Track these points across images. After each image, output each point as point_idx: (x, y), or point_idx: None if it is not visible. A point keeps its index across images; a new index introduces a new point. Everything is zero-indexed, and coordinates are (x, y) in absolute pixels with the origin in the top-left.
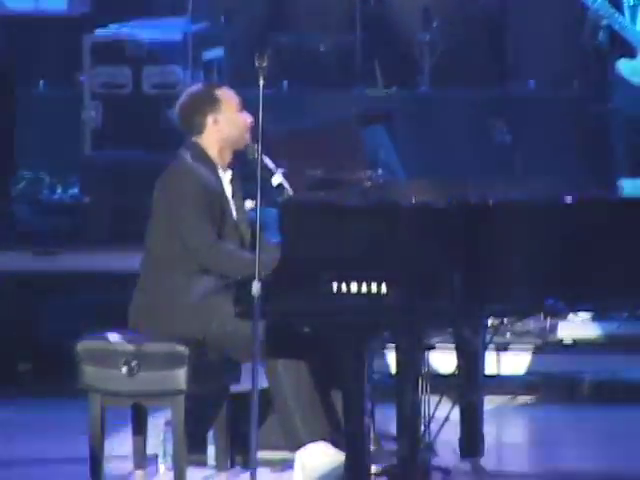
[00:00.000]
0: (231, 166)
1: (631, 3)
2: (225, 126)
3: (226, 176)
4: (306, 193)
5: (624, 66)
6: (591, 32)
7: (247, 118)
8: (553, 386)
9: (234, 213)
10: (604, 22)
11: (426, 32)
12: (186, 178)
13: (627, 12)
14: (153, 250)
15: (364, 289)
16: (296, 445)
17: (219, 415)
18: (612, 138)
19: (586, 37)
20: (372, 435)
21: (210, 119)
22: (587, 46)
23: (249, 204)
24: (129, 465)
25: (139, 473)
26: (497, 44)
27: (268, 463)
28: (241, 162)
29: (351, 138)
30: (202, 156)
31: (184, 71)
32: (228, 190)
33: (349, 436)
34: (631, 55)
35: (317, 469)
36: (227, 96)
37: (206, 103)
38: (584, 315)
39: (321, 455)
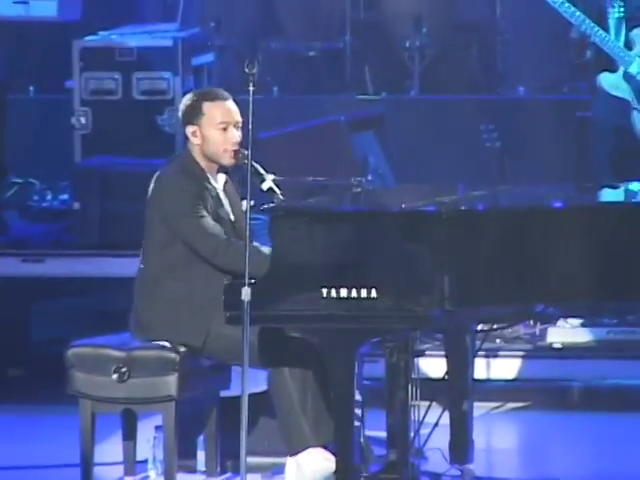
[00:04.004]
0: (223, 170)
1: (616, 16)
2: (202, 140)
3: (219, 181)
4: (296, 199)
5: (605, 79)
6: (577, 49)
7: (230, 138)
8: (543, 392)
9: (231, 217)
10: (589, 39)
11: (416, 38)
12: (176, 189)
13: (612, 24)
14: (150, 260)
15: (354, 294)
16: (300, 447)
17: (209, 421)
18: (593, 147)
19: (573, 53)
20: (362, 440)
21: (190, 129)
22: (575, 61)
23: (245, 205)
24: (119, 471)
25: (129, 479)
26: (487, 49)
27: (258, 469)
28: (232, 167)
29: (340, 143)
30: (190, 163)
31: (174, 77)
32: (222, 195)
33: (338, 441)
34: (612, 69)
35: (316, 473)
36: (212, 111)
37: (189, 113)
38: (574, 321)
39: (321, 460)
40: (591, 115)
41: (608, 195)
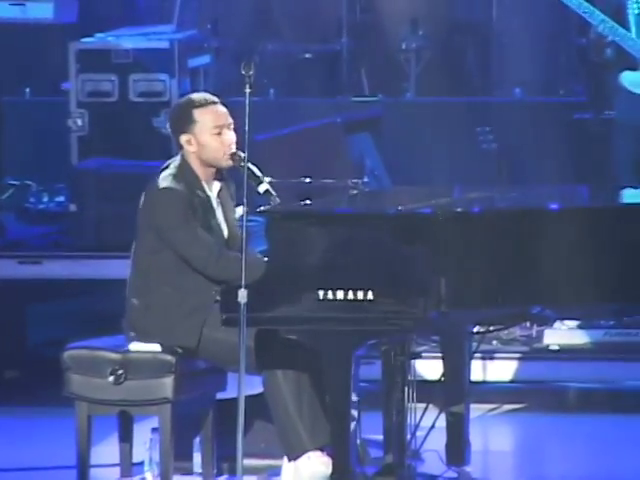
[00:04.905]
0: (218, 177)
1: (636, 12)
2: (198, 147)
3: (213, 188)
4: (292, 201)
5: (626, 77)
6: (597, 48)
7: (226, 140)
8: (539, 394)
9: (223, 225)
10: (609, 38)
11: (412, 40)
12: (168, 199)
13: (632, 20)
14: (140, 265)
15: (350, 296)
16: (299, 452)
17: (205, 423)
18: (613, 148)
19: (593, 53)
20: (358, 442)
21: (184, 138)
22: (595, 61)
23: (240, 211)
24: (115, 473)
25: None
26: (483, 52)
27: (254, 470)
28: (228, 170)
29: (336, 145)
30: (185, 170)
31: (171, 79)
32: (215, 203)
33: (335, 444)
34: (634, 67)
35: (314, 477)
36: (204, 117)
37: (180, 122)
38: (570, 323)
39: (319, 464)
40: (615, 114)
41: (630, 196)
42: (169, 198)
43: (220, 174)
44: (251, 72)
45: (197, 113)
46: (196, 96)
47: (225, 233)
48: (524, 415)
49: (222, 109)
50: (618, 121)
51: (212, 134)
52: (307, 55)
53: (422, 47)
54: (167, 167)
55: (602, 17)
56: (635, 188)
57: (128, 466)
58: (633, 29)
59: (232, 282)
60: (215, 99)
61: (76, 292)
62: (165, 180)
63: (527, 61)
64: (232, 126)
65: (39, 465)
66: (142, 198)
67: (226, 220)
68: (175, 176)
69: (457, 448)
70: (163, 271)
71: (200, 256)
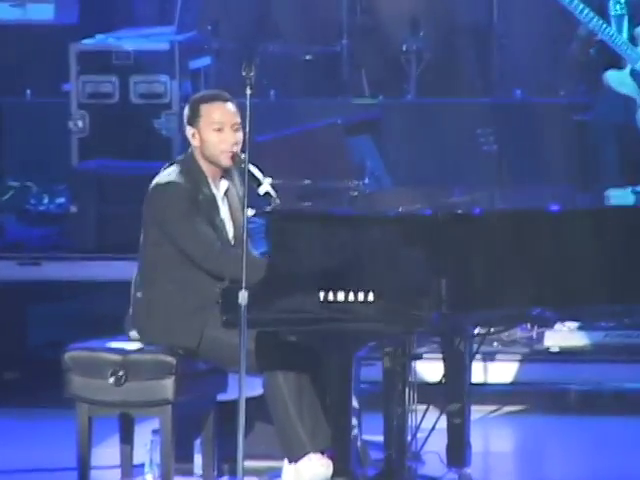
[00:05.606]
0: (228, 177)
1: (617, 13)
2: (201, 142)
3: (220, 186)
4: (293, 202)
5: (611, 76)
6: (582, 45)
7: (226, 139)
8: (540, 395)
9: (228, 224)
10: (595, 36)
11: (413, 41)
12: (171, 192)
13: (613, 22)
14: (145, 259)
15: (351, 298)
16: (299, 454)
17: (206, 424)
18: (597, 148)
19: (577, 50)
20: (359, 444)
21: (189, 131)
22: (578, 59)
23: (250, 212)
24: (116, 475)
25: None
26: (484, 53)
27: (255, 472)
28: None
29: (337, 146)
30: (191, 166)
31: (171, 81)
32: (221, 201)
33: (336, 445)
34: (619, 66)
35: (315, 479)
36: (208, 112)
37: (188, 115)
38: (571, 324)
39: (319, 466)
40: (594, 114)
41: (614, 196)
42: (172, 191)
43: (228, 173)
44: (252, 73)
45: (203, 108)
46: (209, 91)
47: (230, 232)
48: (525, 417)
49: (230, 108)
50: (598, 120)
51: (213, 130)
52: (308, 56)
53: (423, 48)
54: (176, 162)
55: (592, 15)
56: (621, 188)
57: (129, 468)
58: (614, 29)
59: (230, 280)
60: (227, 97)
61: (76, 293)
62: (170, 174)
63: (528, 62)
64: (237, 127)
65: (40, 467)
66: (148, 192)
67: (232, 219)
68: (181, 171)
69: (458, 450)
70: (165, 266)
71: (199, 250)
